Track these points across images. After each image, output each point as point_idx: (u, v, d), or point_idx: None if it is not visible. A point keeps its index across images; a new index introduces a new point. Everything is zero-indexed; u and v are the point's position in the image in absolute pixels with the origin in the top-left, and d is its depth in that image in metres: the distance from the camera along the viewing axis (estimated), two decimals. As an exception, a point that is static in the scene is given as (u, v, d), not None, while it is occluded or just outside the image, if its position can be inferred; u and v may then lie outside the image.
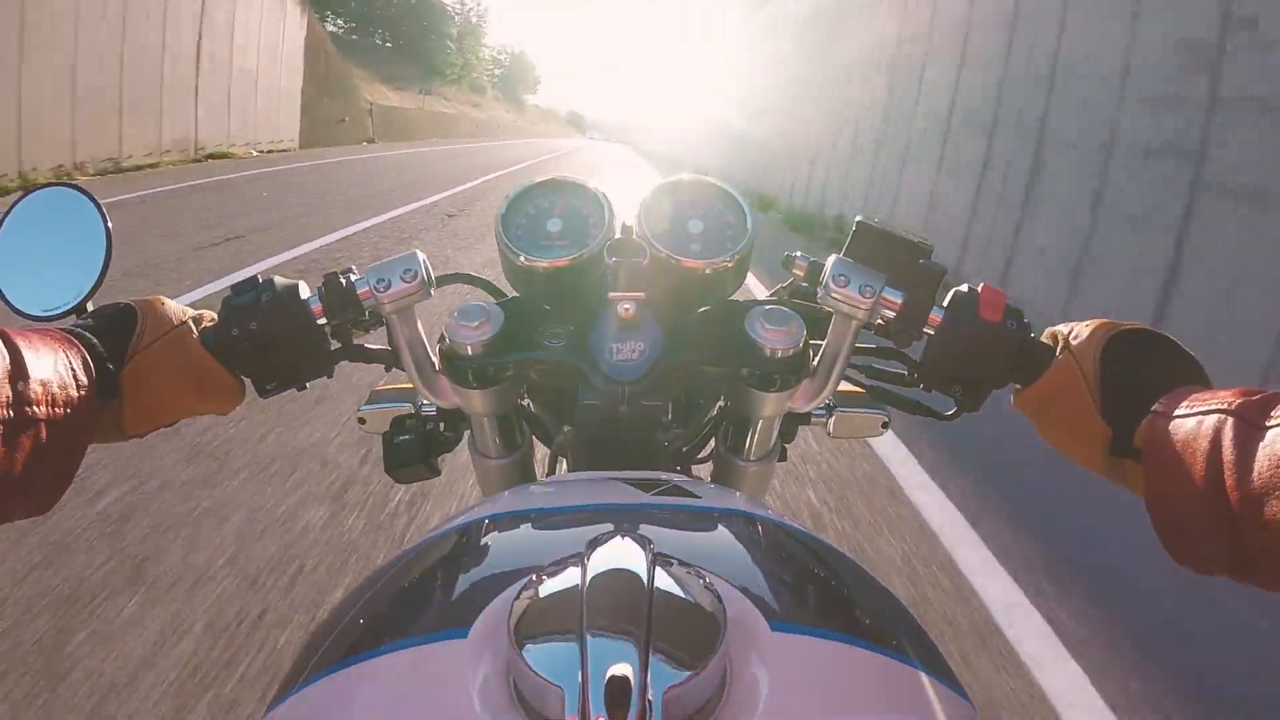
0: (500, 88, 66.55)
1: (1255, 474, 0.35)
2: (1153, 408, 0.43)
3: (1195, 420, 0.39)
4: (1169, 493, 0.40)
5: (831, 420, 0.72)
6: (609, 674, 0.24)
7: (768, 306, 0.55)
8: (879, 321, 0.56)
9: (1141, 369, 0.48)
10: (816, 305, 0.58)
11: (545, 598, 0.28)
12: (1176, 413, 0.41)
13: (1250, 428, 0.37)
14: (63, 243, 0.56)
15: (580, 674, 0.24)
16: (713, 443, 0.71)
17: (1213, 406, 0.39)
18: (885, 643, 0.34)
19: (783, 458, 0.71)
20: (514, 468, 0.65)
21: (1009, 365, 0.53)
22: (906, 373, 0.60)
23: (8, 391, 0.37)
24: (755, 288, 3.38)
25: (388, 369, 0.61)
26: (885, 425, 0.73)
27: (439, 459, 0.68)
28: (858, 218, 0.57)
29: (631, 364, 0.52)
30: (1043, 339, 0.54)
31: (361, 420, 0.70)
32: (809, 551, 0.42)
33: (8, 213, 0.55)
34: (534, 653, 0.26)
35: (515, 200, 0.67)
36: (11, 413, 0.37)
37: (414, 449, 0.67)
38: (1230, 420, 0.38)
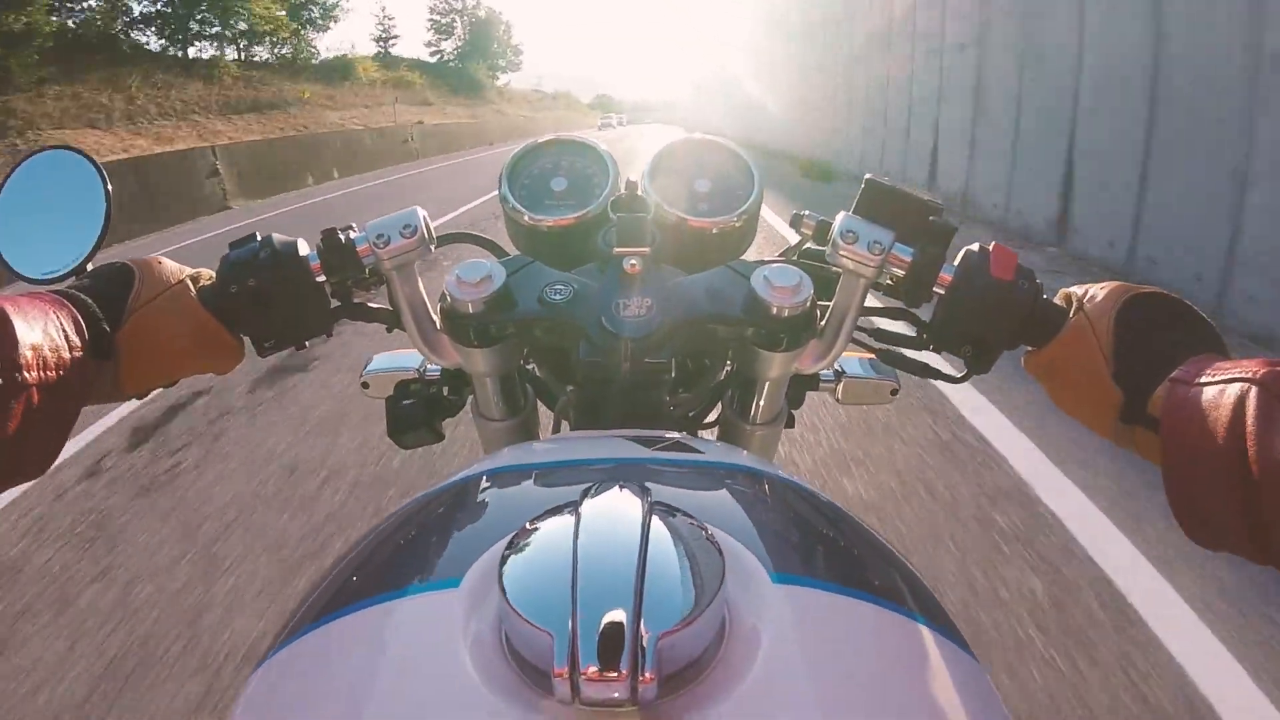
0: (437, 72, 42.97)
1: (1279, 446, 0.33)
2: (1172, 374, 0.42)
3: (1217, 389, 0.38)
4: (1187, 463, 0.39)
5: (840, 386, 0.71)
6: (601, 621, 0.24)
7: (775, 265, 0.53)
8: (888, 281, 0.55)
9: (1157, 334, 0.46)
10: (826, 265, 0.57)
11: (537, 545, 0.28)
12: (1197, 380, 0.39)
13: (1274, 398, 0.35)
14: (63, 205, 0.56)
15: (570, 621, 0.24)
16: (719, 407, 0.70)
17: (1235, 375, 0.37)
18: (890, 598, 0.33)
19: (790, 424, 0.70)
20: (517, 430, 0.65)
21: (1020, 326, 0.52)
22: (916, 333, 0.58)
23: None
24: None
25: (389, 329, 0.60)
26: (894, 393, 0.72)
27: (442, 423, 0.68)
28: (866, 175, 0.55)
29: (637, 320, 0.51)
30: (1056, 300, 0.52)
31: (365, 385, 0.70)
32: (814, 509, 0.41)
33: (7, 176, 0.55)
34: (524, 601, 0.25)
35: (519, 159, 0.66)
36: (1, 379, 0.37)
37: (417, 413, 0.66)
38: (1254, 390, 0.36)
